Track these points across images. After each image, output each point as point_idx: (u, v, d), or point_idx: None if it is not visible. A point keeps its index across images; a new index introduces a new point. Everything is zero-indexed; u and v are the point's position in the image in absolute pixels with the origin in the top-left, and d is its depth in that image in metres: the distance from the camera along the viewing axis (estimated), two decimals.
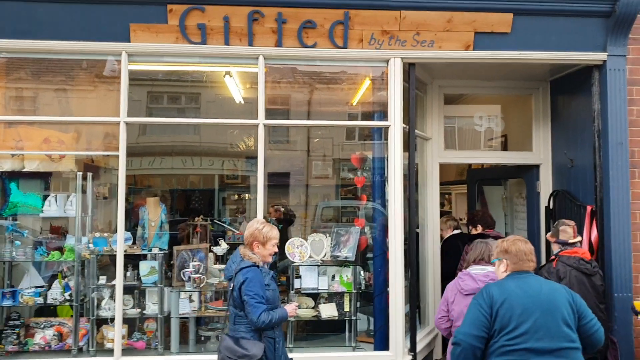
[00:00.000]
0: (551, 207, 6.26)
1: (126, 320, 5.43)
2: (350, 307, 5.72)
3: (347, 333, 5.74)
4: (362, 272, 5.88)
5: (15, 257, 5.53)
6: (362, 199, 6.23)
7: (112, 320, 5.37)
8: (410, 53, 5.46)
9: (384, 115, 5.61)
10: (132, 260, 5.66)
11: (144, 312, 5.60)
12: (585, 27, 5.45)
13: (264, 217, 5.38)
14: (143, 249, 5.67)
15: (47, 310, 5.73)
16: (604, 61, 5.47)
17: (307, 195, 10.56)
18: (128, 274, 5.51)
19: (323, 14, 5.30)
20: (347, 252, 5.74)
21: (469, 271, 4.18)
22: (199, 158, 10.59)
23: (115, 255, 5.34)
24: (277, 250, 4.08)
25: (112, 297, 5.48)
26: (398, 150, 5.43)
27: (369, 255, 6.06)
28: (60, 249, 5.64)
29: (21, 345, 5.40)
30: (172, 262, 5.83)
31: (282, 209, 8.72)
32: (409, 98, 5.59)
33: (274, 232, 4.01)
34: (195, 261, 5.71)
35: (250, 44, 5.33)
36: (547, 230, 6.23)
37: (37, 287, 5.58)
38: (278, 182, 9.79)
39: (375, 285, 5.78)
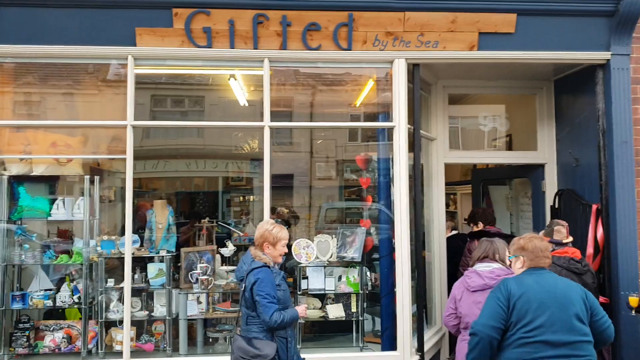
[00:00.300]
0: (556, 206, 6.26)
1: (134, 323, 5.47)
2: (357, 307, 5.75)
3: (354, 333, 5.76)
4: (368, 273, 5.89)
5: (25, 260, 5.57)
6: (368, 200, 6.24)
7: (121, 322, 5.40)
8: (415, 54, 5.49)
9: (388, 116, 5.63)
10: (140, 263, 5.70)
11: (152, 314, 5.63)
12: (589, 26, 5.47)
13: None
14: (151, 252, 5.70)
15: (55, 313, 5.79)
16: (608, 60, 5.48)
17: (311, 196, 10.58)
18: (136, 276, 5.54)
19: (327, 16, 5.32)
20: (353, 252, 5.76)
21: (475, 268, 4.23)
22: (202, 160, 10.62)
23: (123, 257, 5.37)
24: (287, 250, 4.13)
25: (120, 299, 5.52)
26: (403, 151, 5.44)
27: (375, 256, 6.07)
28: (68, 252, 5.68)
29: (31, 348, 5.45)
30: (179, 264, 5.86)
31: (285, 211, 8.74)
32: (414, 99, 5.62)
33: (283, 233, 4.06)
34: (202, 263, 5.74)
35: (256, 47, 5.37)
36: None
37: (46, 290, 5.62)
38: (282, 184, 9.81)
39: (382, 286, 5.79)
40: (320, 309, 5.84)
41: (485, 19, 5.38)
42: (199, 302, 5.69)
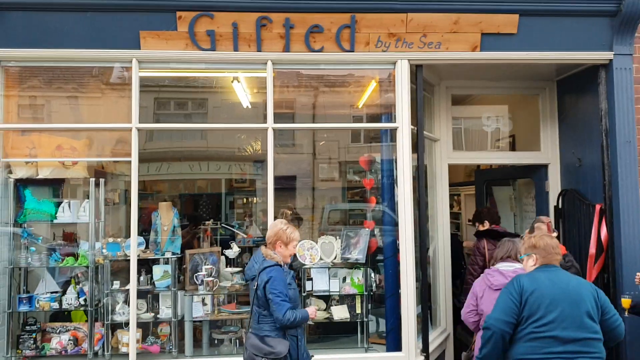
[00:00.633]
0: (560, 206, 6.27)
1: (140, 325, 5.49)
2: (361, 308, 5.76)
3: (359, 335, 5.78)
4: (372, 274, 5.91)
5: (31, 263, 5.60)
6: (371, 201, 6.26)
7: (127, 324, 5.44)
8: (417, 55, 5.51)
9: (391, 117, 5.65)
10: (145, 265, 5.73)
11: (158, 316, 5.66)
12: (591, 26, 5.48)
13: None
14: (156, 254, 5.73)
15: (61, 315, 5.82)
16: (611, 60, 5.50)
17: (314, 198, 10.60)
18: (141, 278, 5.57)
19: (330, 18, 5.35)
20: (358, 254, 5.77)
21: (497, 267, 4.30)
22: (206, 163, 10.65)
23: (128, 260, 5.41)
24: (296, 251, 4.17)
25: (126, 301, 5.55)
26: (407, 152, 5.46)
27: (379, 257, 6.09)
28: (74, 255, 5.71)
29: (38, 350, 5.48)
30: (184, 266, 5.89)
31: (288, 212, 8.75)
32: (417, 99, 5.63)
33: (296, 234, 4.15)
34: (207, 264, 5.76)
35: (259, 50, 5.39)
36: (557, 230, 6.27)
37: (52, 292, 5.65)
38: (284, 185, 9.82)
39: (386, 287, 5.79)
40: (324, 310, 5.84)
41: (488, 19, 5.40)
42: (204, 304, 5.71)
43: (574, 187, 6.12)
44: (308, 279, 5.76)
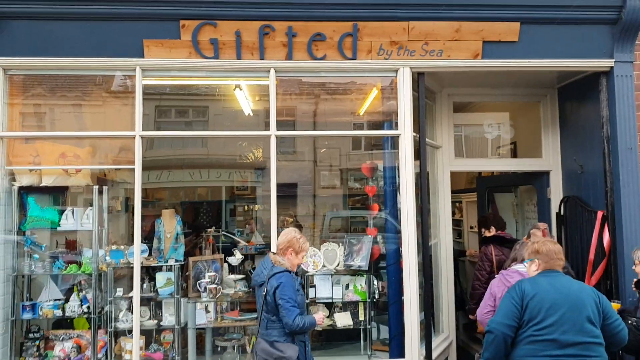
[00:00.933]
0: (562, 213, 6.29)
1: (143, 332, 5.49)
2: (365, 315, 5.76)
3: (362, 342, 5.79)
4: (375, 281, 5.92)
5: (34, 270, 5.61)
6: (374, 208, 6.27)
7: (130, 331, 5.44)
8: (419, 63, 5.54)
9: (393, 125, 5.68)
10: (149, 272, 5.74)
11: (161, 323, 5.66)
12: (592, 34, 5.52)
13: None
14: (159, 261, 5.74)
15: (63, 323, 5.82)
16: (611, 68, 5.53)
17: (315, 205, 10.61)
18: (144, 285, 5.59)
19: (332, 27, 5.38)
20: (361, 261, 5.79)
21: (516, 269, 4.32)
22: (206, 170, 10.67)
23: (131, 267, 5.42)
24: (303, 262, 4.24)
25: (129, 309, 5.56)
26: (409, 159, 5.48)
27: (382, 264, 6.10)
28: (77, 263, 5.72)
29: (41, 358, 5.50)
30: (187, 273, 5.89)
31: (290, 220, 8.76)
32: (419, 107, 5.66)
33: (307, 245, 4.24)
34: (210, 272, 5.77)
35: (262, 58, 5.43)
36: (559, 237, 6.29)
37: (55, 300, 5.66)
38: (285, 193, 9.82)
39: (389, 294, 5.81)
40: (328, 317, 5.85)
41: (489, 27, 5.43)
42: (207, 311, 5.72)
43: (576, 194, 6.13)
44: (311, 286, 5.78)
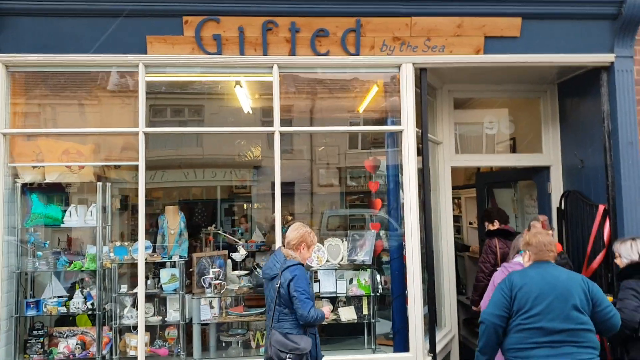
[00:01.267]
0: (563, 207, 6.33)
1: (147, 328, 5.49)
2: (369, 309, 5.79)
3: (366, 336, 5.81)
4: (378, 276, 5.94)
5: (38, 267, 5.60)
6: (377, 203, 6.30)
7: (135, 328, 5.44)
8: (422, 58, 5.56)
9: (396, 121, 5.70)
10: (152, 269, 5.74)
11: (166, 319, 5.67)
12: (593, 29, 5.56)
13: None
14: (163, 257, 5.74)
15: (66, 320, 5.82)
16: (612, 62, 5.57)
17: (313, 203, 10.64)
18: (149, 282, 5.59)
19: (335, 22, 5.40)
20: (364, 255, 5.82)
21: (518, 260, 4.39)
22: (201, 170, 10.67)
23: (135, 263, 5.42)
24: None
25: (134, 305, 5.55)
26: (412, 154, 5.51)
27: (385, 259, 6.13)
28: (80, 259, 5.71)
29: (46, 355, 5.48)
30: (190, 269, 5.90)
31: (289, 218, 8.78)
32: (421, 103, 5.69)
33: (316, 239, 4.34)
34: (214, 267, 5.78)
35: (265, 53, 5.43)
36: (559, 231, 6.35)
37: (59, 297, 5.65)
38: (284, 191, 9.83)
39: (393, 288, 5.83)
40: (332, 312, 5.87)
41: (491, 23, 5.47)
42: (212, 307, 5.73)
43: (577, 189, 6.17)
44: (315, 281, 5.79)
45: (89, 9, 5.26)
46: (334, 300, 5.92)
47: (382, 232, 6.15)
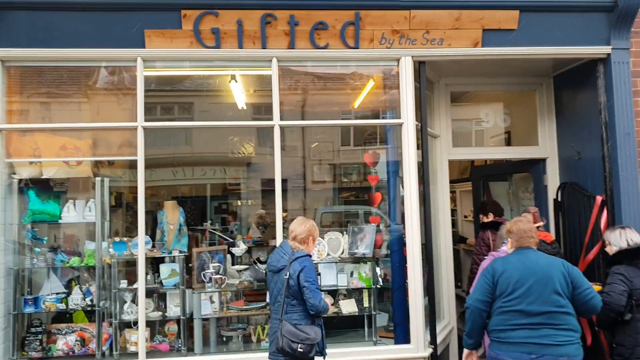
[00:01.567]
0: (559, 199, 6.37)
1: (147, 324, 5.45)
2: (369, 302, 5.80)
3: (366, 328, 5.83)
4: (378, 269, 5.96)
5: (36, 264, 5.55)
6: (377, 196, 6.31)
7: (135, 323, 5.41)
8: (421, 51, 5.57)
9: (395, 114, 5.71)
10: (152, 264, 5.71)
11: (166, 314, 5.64)
12: (589, 21, 5.60)
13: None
14: (163, 252, 5.71)
15: (62, 317, 5.76)
16: (609, 54, 5.61)
17: (306, 200, 10.63)
18: (148, 277, 5.55)
19: (334, 15, 5.40)
20: (365, 248, 5.83)
21: (505, 249, 4.45)
22: (190, 168, 10.61)
23: (135, 259, 5.39)
24: None
25: (134, 300, 5.52)
26: (412, 147, 5.52)
27: (385, 252, 6.14)
28: (79, 255, 5.67)
29: (45, 352, 5.43)
30: (190, 264, 5.87)
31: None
32: (420, 96, 5.70)
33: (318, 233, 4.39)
34: (214, 262, 5.76)
35: (264, 47, 5.42)
36: (556, 223, 6.39)
37: (57, 293, 5.60)
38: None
39: (393, 281, 5.85)
40: (332, 305, 5.87)
41: (489, 15, 5.49)
42: (212, 302, 5.71)
43: (573, 180, 6.22)
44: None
45: (85, 3, 5.22)
46: (334, 293, 5.93)
47: (382, 226, 6.16)
